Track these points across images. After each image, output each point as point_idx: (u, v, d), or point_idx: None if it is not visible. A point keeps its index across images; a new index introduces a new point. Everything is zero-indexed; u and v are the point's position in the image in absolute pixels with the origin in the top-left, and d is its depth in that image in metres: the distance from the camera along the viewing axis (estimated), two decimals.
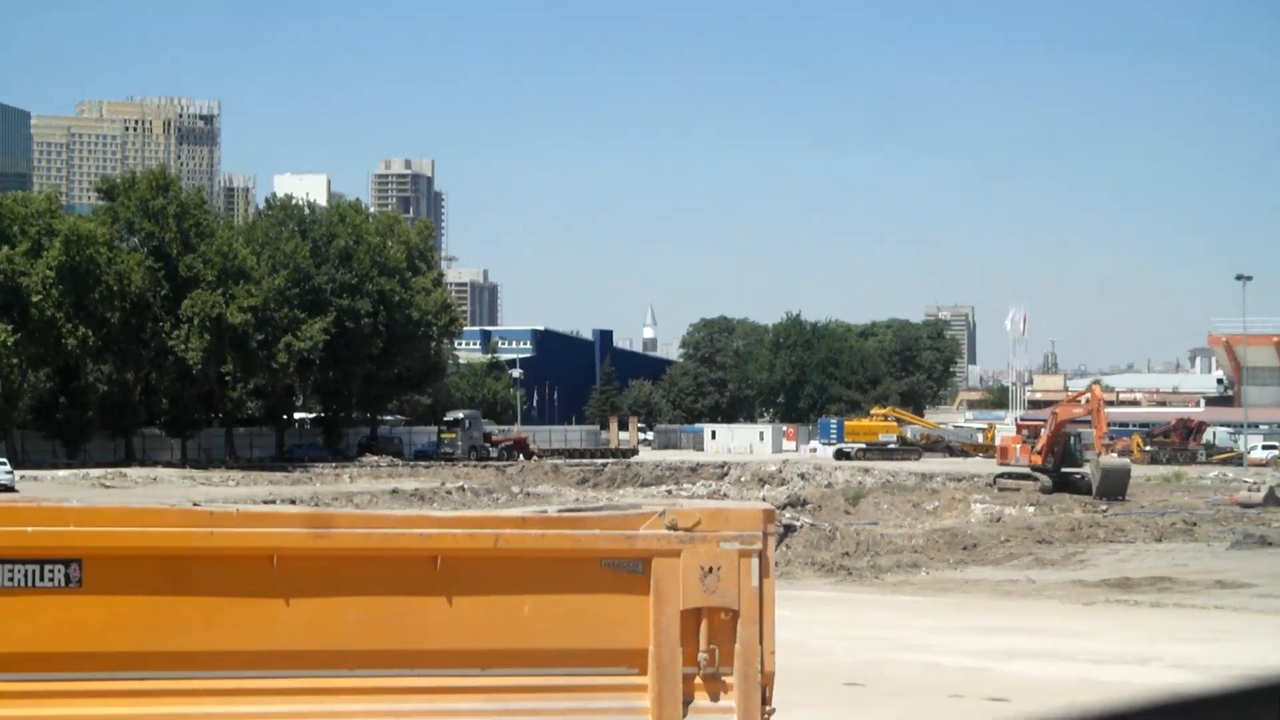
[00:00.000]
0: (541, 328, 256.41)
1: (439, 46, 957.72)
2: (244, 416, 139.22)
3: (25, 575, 19.22)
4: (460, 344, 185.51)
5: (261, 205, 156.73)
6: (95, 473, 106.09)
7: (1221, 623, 39.96)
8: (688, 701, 20.27)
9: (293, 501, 72.65)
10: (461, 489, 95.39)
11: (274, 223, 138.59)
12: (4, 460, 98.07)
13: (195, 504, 29.18)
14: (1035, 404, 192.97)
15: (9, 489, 79.72)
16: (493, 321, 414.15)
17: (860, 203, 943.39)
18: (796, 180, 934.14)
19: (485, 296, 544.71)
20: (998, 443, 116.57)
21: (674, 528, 20.69)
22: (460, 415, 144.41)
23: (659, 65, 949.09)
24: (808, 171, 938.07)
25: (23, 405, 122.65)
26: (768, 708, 20.39)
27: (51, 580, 19.31)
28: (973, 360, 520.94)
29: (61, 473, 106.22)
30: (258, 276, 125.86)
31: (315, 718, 19.51)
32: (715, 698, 20.51)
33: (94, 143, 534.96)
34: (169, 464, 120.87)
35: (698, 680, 20.41)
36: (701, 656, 20.48)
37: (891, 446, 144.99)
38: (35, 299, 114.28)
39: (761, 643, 20.79)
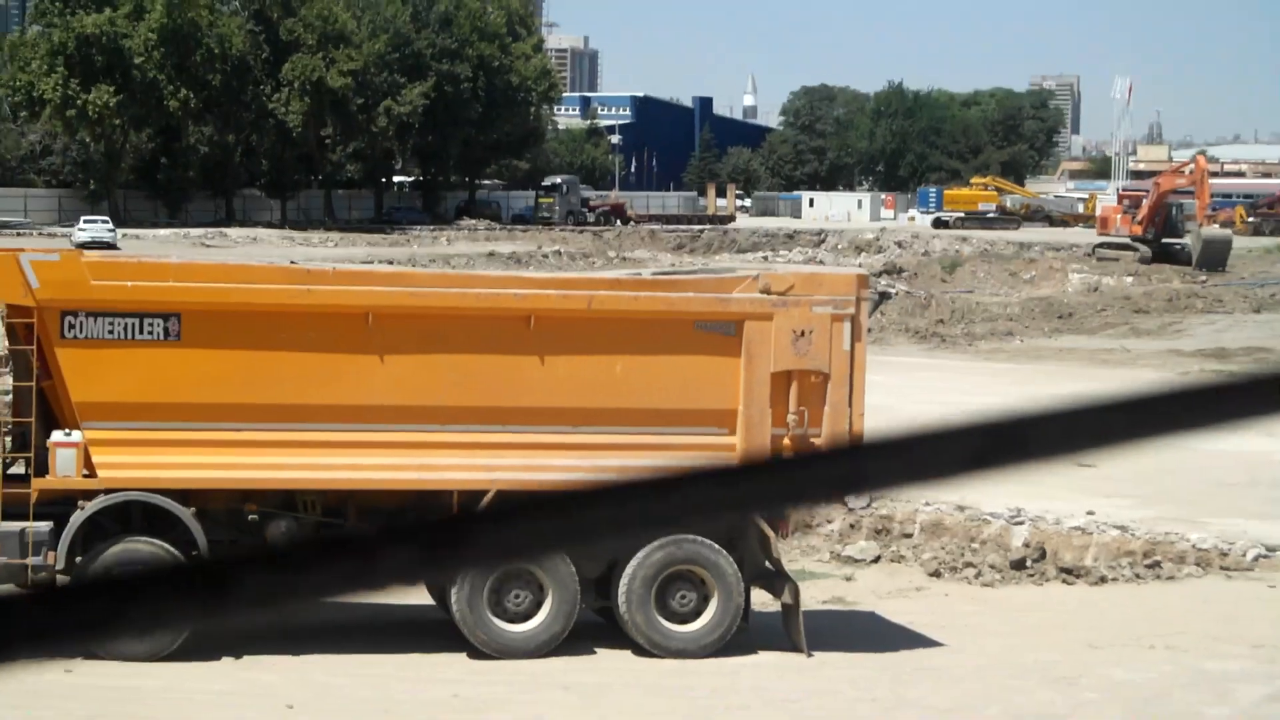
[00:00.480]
0: (641, 94, 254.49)
1: None
2: (343, 179, 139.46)
3: (125, 328, 19.64)
4: (560, 110, 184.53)
5: None
6: (196, 232, 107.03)
7: None
8: None
9: (390, 262, 73.17)
10: (558, 253, 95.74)
11: None
12: (107, 219, 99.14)
13: (293, 262, 29.50)
14: (1138, 174, 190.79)
15: (112, 246, 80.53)
16: (592, 88, 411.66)
17: None
18: None
19: (585, 63, 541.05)
20: (1098, 212, 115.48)
21: (767, 291, 20.87)
22: (558, 180, 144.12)
23: None
24: None
25: (125, 165, 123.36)
26: None
27: (151, 333, 19.73)
28: (1076, 130, 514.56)
29: (163, 231, 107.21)
30: (358, 41, 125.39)
31: (410, 470, 19.92)
32: None
33: None
34: (269, 224, 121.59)
35: (786, 441, 20.68)
36: (791, 418, 20.75)
37: (990, 215, 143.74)
38: (137, 60, 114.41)
39: (851, 406, 21.03)
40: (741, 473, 2.04)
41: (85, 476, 19.43)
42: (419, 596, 21.15)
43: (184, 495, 19.57)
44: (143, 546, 19.36)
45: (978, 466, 1.99)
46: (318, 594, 1.91)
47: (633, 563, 20.04)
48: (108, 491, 19.49)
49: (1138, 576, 23.92)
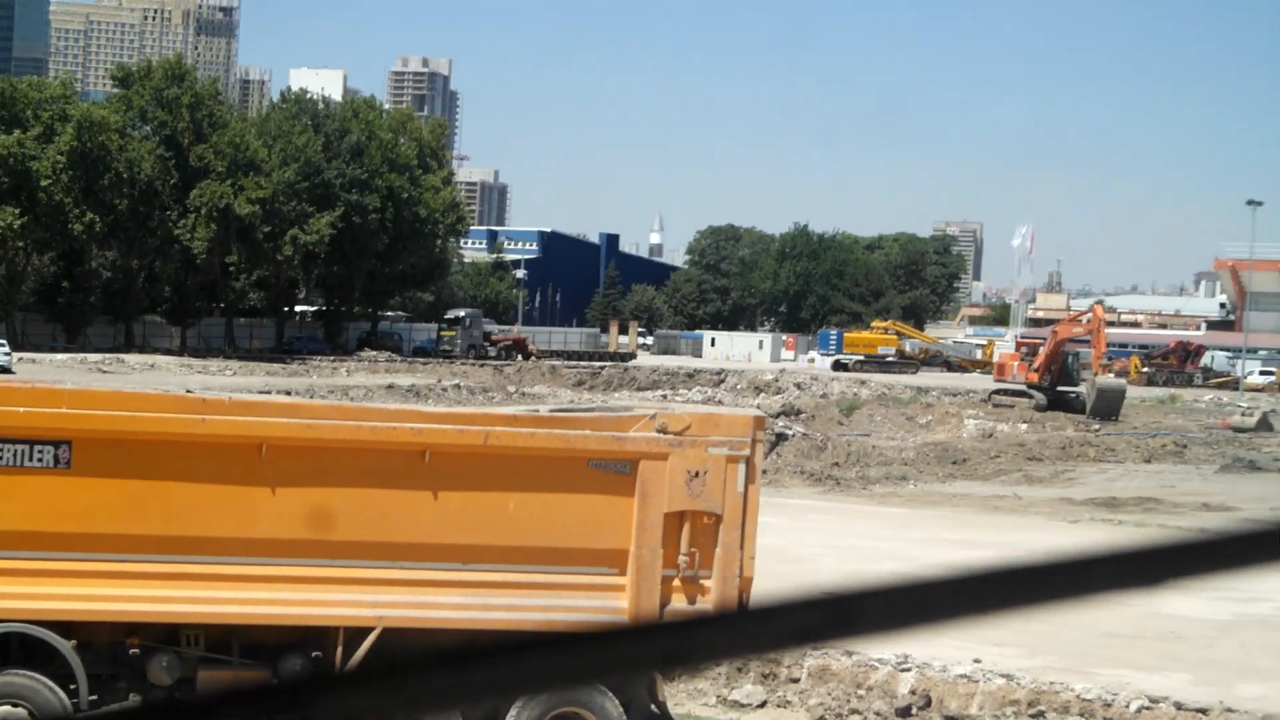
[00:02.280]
0: (548, 229, 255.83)
1: None
2: (246, 307, 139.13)
3: (15, 455, 19.50)
4: (467, 243, 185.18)
5: (276, 99, 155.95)
6: (94, 357, 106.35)
7: None
8: (665, 604, 20.61)
9: (288, 393, 72.91)
10: (458, 387, 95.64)
11: (287, 116, 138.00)
12: (3, 342, 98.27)
13: (189, 391, 29.40)
14: (1037, 322, 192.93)
15: (6, 370, 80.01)
16: (500, 222, 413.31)
17: (873, 118, 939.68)
18: (809, 93, 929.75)
19: (494, 197, 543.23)
20: (995, 359, 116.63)
21: (664, 431, 20.98)
22: (461, 313, 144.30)
23: None
24: (821, 84, 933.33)
25: (26, 288, 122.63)
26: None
27: (41, 460, 19.58)
28: (977, 277, 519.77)
29: (60, 356, 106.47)
30: (268, 169, 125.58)
31: (299, 605, 19.80)
32: (692, 600, 20.86)
33: (112, 31, 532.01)
34: (168, 351, 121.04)
35: (676, 583, 20.74)
36: (682, 559, 20.81)
37: (889, 359, 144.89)
38: (44, 183, 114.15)
39: (743, 548, 21.11)
40: (576, 643, 2.07)
41: None
42: None
43: (66, 627, 19.36)
44: (18, 680, 19.12)
45: (807, 640, 2.11)
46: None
47: (517, 705, 19.96)
48: None
49: None
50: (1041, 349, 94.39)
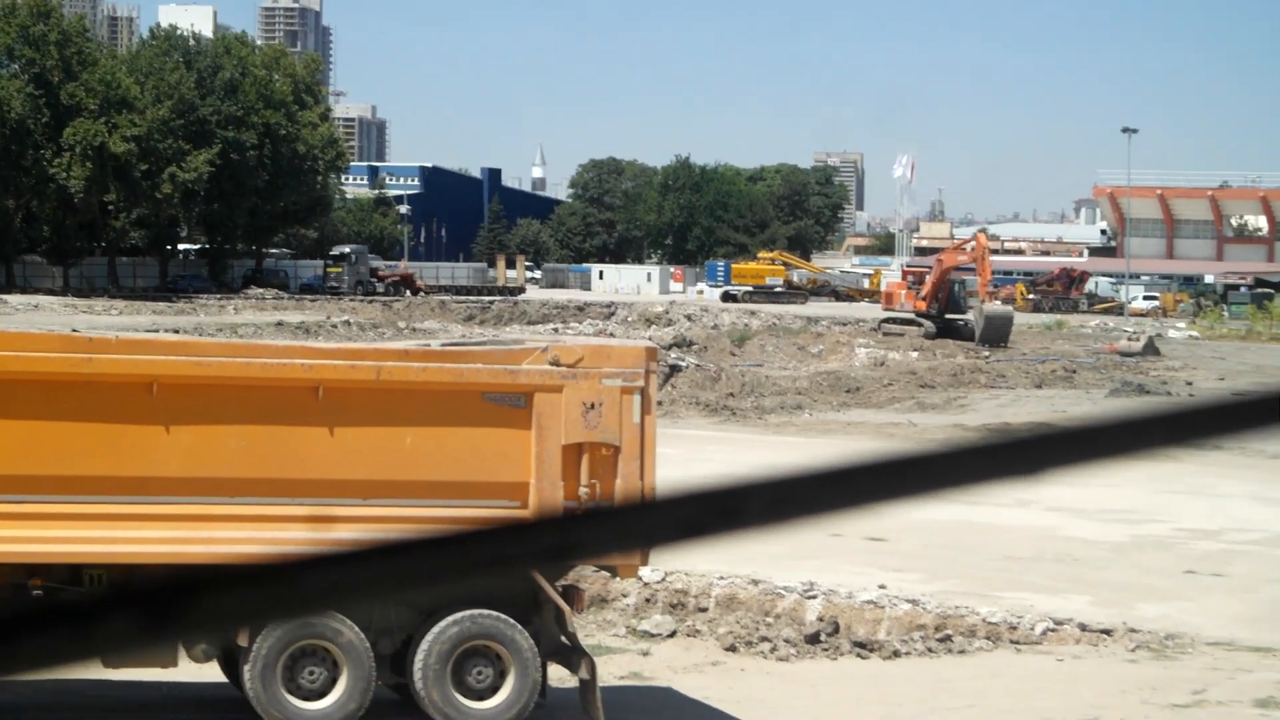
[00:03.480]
0: (430, 165, 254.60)
1: None
2: (127, 246, 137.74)
3: None
4: (347, 179, 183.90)
5: (145, 36, 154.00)
6: None
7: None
8: None
9: (176, 331, 72.08)
10: (347, 323, 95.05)
11: (158, 53, 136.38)
12: None
13: (75, 330, 28.87)
14: (921, 251, 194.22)
15: None
16: (381, 158, 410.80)
17: (752, 48, 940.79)
18: (688, 23, 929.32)
19: (373, 133, 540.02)
20: (883, 288, 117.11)
21: (557, 363, 20.74)
22: (346, 250, 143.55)
23: None
24: (701, 13, 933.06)
25: None
26: None
27: None
28: (860, 207, 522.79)
29: None
30: (141, 107, 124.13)
31: (196, 543, 19.44)
32: None
33: None
34: (51, 291, 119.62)
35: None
36: (582, 491, 20.61)
37: (778, 290, 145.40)
38: None
39: (643, 478, 20.94)
40: (467, 539, 2.02)
41: None
42: (211, 674, 20.64)
43: None
44: None
45: (692, 534, 2.03)
46: (34, 666, 1.83)
47: (427, 639, 19.75)
48: None
49: (930, 650, 24.06)
50: (928, 277, 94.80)
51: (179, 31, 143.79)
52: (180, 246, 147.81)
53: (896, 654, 23.92)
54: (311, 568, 1.90)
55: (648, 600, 25.50)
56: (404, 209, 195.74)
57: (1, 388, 19.22)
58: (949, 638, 24.31)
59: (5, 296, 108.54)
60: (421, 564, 1.95)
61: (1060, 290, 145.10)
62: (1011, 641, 24.48)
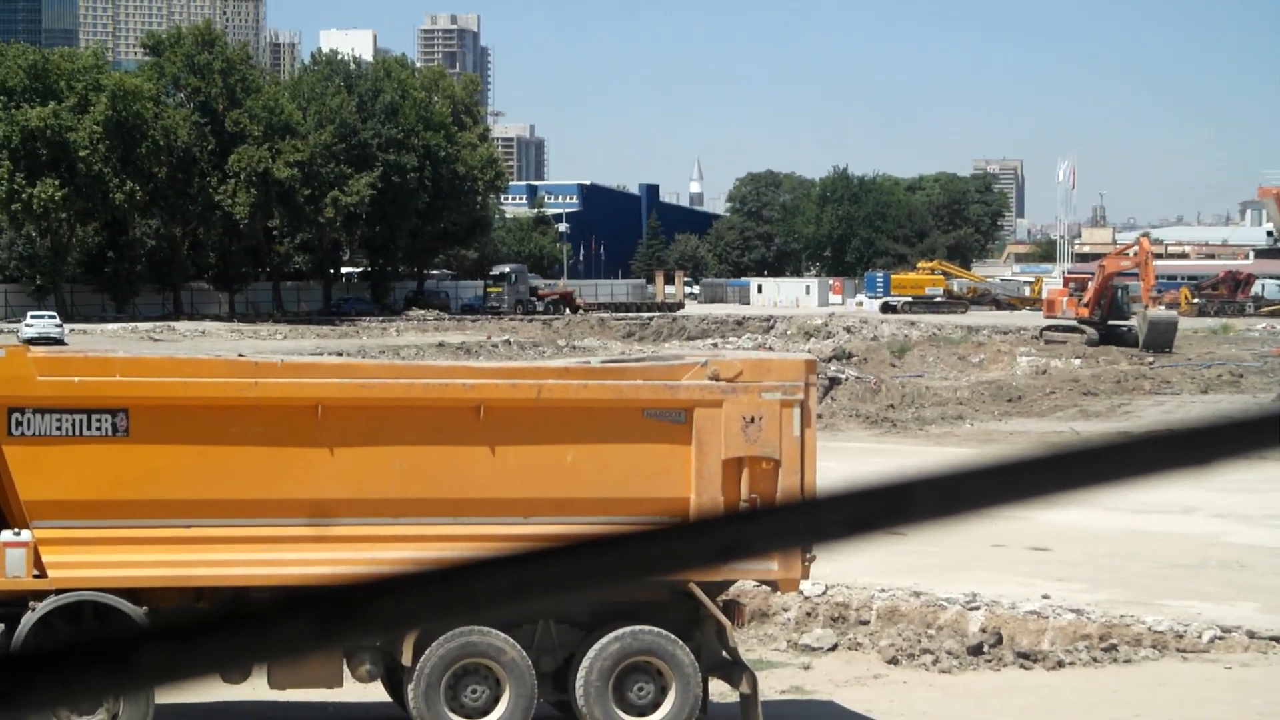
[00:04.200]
0: (588, 182, 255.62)
1: None
2: (291, 271, 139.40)
3: (73, 424, 19.45)
4: (506, 199, 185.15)
5: (307, 61, 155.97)
6: (144, 326, 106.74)
7: (1267, 473, 39.86)
8: None
9: (339, 354, 72.95)
10: (507, 342, 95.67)
11: (320, 78, 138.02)
12: (54, 314, 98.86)
13: (241, 355, 29.38)
14: (1083, 257, 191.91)
15: (58, 342, 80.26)
16: (539, 177, 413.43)
17: (909, 57, 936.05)
18: (844, 34, 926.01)
19: (532, 152, 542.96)
20: (1045, 296, 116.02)
21: (716, 378, 20.83)
22: (506, 269, 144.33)
23: None
24: (857, 24, 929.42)
25: (72, 260, 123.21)
26: (809, 556, 20.57)
27: (99, 429, 19.52)
28: (1021, 214, 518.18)
29: (110, 326, 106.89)
30: (304, 132, 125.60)
31: (360, 564, 19.71)
32: None
33: None
34: (217, 318, 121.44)
35: None
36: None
37: (938, 300, 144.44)
38: (82, 154, 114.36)
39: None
40: (628, 541, 2.05)
41: (36, 577, 19.18)
42: (375, 694, 20.94)
43: (135, 594, 19.34)
44: None
45: (859, 530, 2.03)
46: (217, 668, 1.91)
47: (589, 655, 19.89)
48: (59, 592, 19.24)
49: (1095, 660, 23.89)
50: (1090, 284, 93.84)
51: (340, 56, 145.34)
52: (343, 270, 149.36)
53: (1061, 664, 23.78)
54: (484, 570, 1.98)
55: (808, 614, 25.52)
56: (563, 227, 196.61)
57: (173, 414, 19.61)
58: (1114, 647, 24.12)
59: (173, 323, 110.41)
60: (593, 566, 2.02)
61: (1226, 294, 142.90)
62: (1178, 650, 24.24)
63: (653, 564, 2.06)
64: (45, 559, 19.31)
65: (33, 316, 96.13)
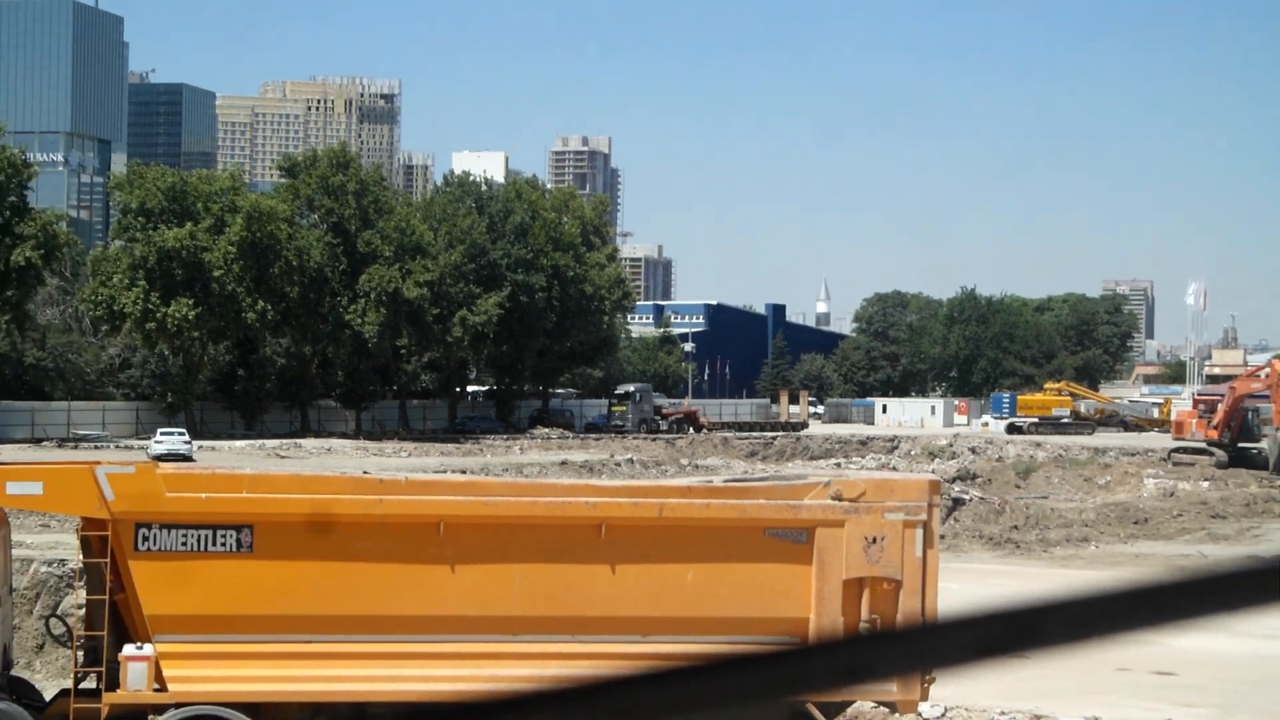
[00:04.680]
0: (714, 302, 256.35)
1: (617, 23, 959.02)
2: (418, 389, 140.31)
3: (199, 540, 19.74)
4: (633, 318, 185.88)
5: (439, 182, 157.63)
6: (271, 443, 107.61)
7: None
8: None
9: (463, 472, 73.27)
10: (630, 461, 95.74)
11: (451, 199, 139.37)
12: (183, 431, 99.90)
13: (366, 473, 29.63)
14: (1213, 379, 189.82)
15: (187, 459, 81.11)
16: (666, 296, 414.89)
17: (1037, 178, 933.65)
18: (971, 157, 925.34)
19: (659, 271, 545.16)
20: (1173, 417, 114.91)
21: (839, 498, 20.84)
22: (631, 388, 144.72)
23: (834, 49, 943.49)
24: (981, 146, 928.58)
25: (203, 377, 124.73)
26: (928, 677, 20.46)
27: (224, 545, 19.80)
28: (1150, 335, 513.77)
29: (239, 443, 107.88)
30: (434, 252, 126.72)
31: (479, 682, 19.80)
32: None
33: (277, 122, 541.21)
34: (344, 435, 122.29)
35: None
36: (863, 626, 20.59)
37: (1064, 421, 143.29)
38: (217, 274, 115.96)
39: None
40: (756, 663, 2.06)
41: (156, 690, 19.40)
42: None
43: (254, 708, 19.50)
44: None
45: (987, 654, 2.05)
46: None
47: None
48: (179, 705, 19.44)
49: None
50: (1220, 405, 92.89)
51: (472, 178, 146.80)
52: (469, 388, 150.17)
53: None
54: (611, 690, 2.00)
55: None
56: (689, 347, 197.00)
57: (297, 530, 19.84)
58: None
59: (300, 441, 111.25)
60: (722, 687, 2.02)
61: None
62: None
63: (779, 685, 2.09)
64: (166, 673, 19.53)
65: (162, 433, 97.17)
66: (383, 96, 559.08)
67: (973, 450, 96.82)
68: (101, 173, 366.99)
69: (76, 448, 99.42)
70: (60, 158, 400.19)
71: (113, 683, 19.69)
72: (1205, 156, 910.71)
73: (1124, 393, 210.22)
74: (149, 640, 19.59)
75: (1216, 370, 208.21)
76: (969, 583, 39.29)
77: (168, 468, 22.83)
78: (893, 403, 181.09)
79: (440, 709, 1.98)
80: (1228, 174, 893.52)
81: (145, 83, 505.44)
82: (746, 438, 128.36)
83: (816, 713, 20.07)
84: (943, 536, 32.36)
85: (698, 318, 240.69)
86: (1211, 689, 29.52)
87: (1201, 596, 2.10)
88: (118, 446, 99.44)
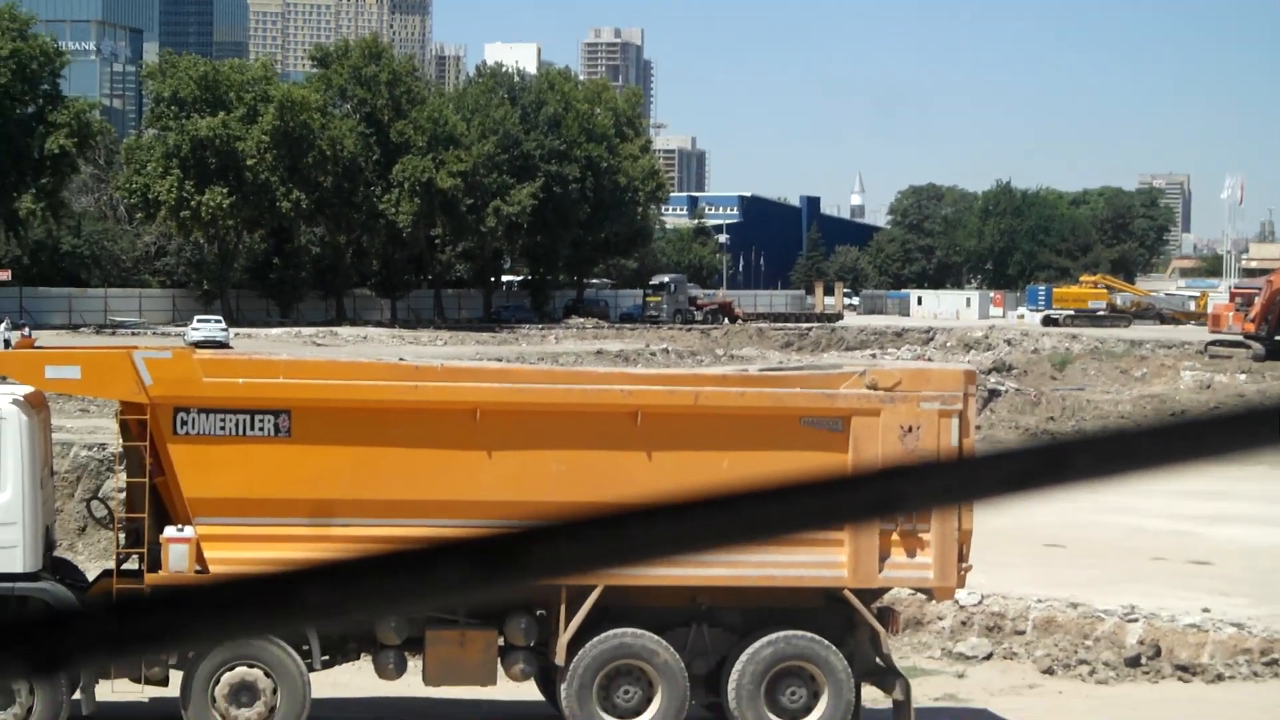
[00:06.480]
0: (749, 194, 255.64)
1: None
2: (452, 279, 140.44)
3: (236, 424, 19.83)
4: (667, 210, 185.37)
5: (472, 74, 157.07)
6: (307, 331, 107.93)
7: None
8: (884, 557, 20.46)
9: (498, 360, 73.44)
10: (666, 351, 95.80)
11: (484, 90, 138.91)
12: (219, 318, 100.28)
13: (402, 360, 29.68)
14: (1250, 272, 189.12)
15: (224, 345, 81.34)
16: (700, 188, 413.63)
17: (1075, 71, 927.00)
18: (1010, 51, 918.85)
19: (693, 163, 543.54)
20: (1210, 310, 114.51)
21: (874, 387, 20.83)
22: (666, 279, 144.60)
23: None
24: (1021, 40, 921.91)
25: (238, 266, 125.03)
26: (964, 565, 20.51)
27: (261, 430, 19.89)
28: (1187, 228, 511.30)
29: (275, 331, 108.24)
30: (467, 143, 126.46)
31: None
32: (912, 554, 20.67)
33: (308, 12, 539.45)
34: (379, 324, 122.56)
35: (894, 537, 20.56)
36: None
37: (1100, 313, 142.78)
38: (250, 163, 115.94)
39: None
40: (787, 492, 2.04)
41: (198, 572, 19.54)
42: (529, 692, 21.11)
43: None
44: (254, 642, 19.43)
45: (1018, 487, 2.02)
46: (375, 607, 1.97)
47: (742, 658, 19.93)
48: None
49: (1255, 674, 23.60)
50: (1257, 299, 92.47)
51: (504, 69, 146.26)
52: (503, 278, 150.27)
53: (1220, 678, 23.51)
54: (641, 519, 1.99)
55: (963, 623, 25.40)
56: (723, 238, 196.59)
57: (334, 415, 19.90)
58: (1276, 661, 23.81)
59: (336, 329, 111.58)
60: (754, 517, 2.01)
61: None
62: None
63: (815, 515, 2.05)
64: (207, 554, 19.68)
65: (199, 320, 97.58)
66: None
67: (1008, 342, 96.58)
68: (134, 62, 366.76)
69: (114, 334, 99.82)
70: (92, 46, 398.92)
71: (154, 564, 19.84)
72: (1243, 49, 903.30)
73: (1160, 286, 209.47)
74: (189, 523, 19.72)
75: (1253, 264, 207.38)
76: None
77: (205, 353, 22.92)
78: (928, 295, 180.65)
79: (472, 537, 1.99)
80: (1265, 67, 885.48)
81: None
82: (781, 328, 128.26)
83: (854, 599, 20.14)
84: (978, 427, 32.37)
85: (732, 209, 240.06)
86: (1245, 578, 29.56)
87: (1234, 431, 2.08)
88: (155, 333, 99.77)
